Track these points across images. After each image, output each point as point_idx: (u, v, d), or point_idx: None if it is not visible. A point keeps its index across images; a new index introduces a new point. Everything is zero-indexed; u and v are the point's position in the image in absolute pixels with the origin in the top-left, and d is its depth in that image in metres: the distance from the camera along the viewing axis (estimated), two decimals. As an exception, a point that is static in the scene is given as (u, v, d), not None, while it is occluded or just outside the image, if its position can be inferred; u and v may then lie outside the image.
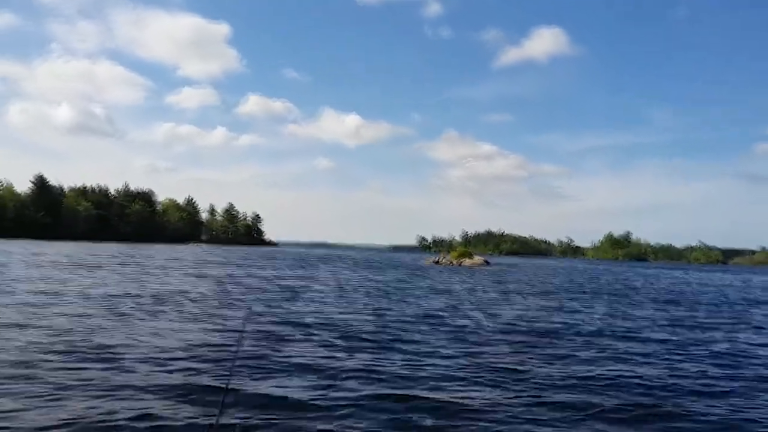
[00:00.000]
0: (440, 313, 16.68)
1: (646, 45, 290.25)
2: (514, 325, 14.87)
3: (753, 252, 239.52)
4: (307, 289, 23.52)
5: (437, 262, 67.42)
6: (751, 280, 56.81)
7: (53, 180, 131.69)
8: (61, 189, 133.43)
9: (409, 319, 15.14)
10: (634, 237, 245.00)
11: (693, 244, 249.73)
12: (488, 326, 14.37)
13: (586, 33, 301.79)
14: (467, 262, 65.75)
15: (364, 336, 12.08)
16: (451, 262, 66.09)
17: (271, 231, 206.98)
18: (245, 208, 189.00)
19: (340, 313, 15.83)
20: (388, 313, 16.13)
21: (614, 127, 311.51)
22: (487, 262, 68.63)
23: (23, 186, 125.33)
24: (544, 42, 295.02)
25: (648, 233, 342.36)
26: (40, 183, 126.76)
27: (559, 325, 15.12)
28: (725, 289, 37.06)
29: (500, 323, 15.08)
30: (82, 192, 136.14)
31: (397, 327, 13.60)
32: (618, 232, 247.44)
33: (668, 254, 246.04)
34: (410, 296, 22.22)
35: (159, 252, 63.20)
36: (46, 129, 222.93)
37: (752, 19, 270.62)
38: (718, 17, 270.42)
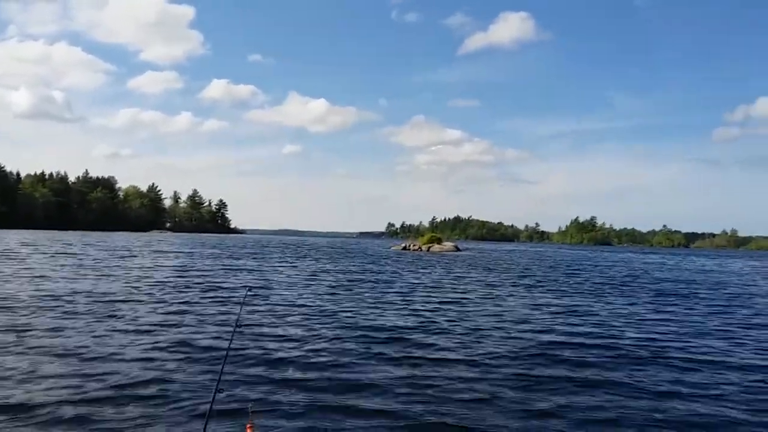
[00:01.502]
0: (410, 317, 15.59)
1: (611, 31, 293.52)
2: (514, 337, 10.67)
3: (713, 235, 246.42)
4: (261, 279, 22.33)
5: (406, 249, 66.60)
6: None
7: (9, 166, 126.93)
8: (18, 176, 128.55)
9: (368, 322, 13.42)
10: (598, 221, 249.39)
11: (656, 228, 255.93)
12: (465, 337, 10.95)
13: (551, 19, 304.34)
14: (436, 248, 65.08)
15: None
16: (420, 248, 65.37)
17: (237, 218, 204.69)
18: (212, 195, 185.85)
19: (283, 311, 13.56)
20: (340, 314, 13.29)
21: (578, 112, 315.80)
22: (457, 248, 68.15)
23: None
24: (511, 27, 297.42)
25: (612, 217, 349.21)
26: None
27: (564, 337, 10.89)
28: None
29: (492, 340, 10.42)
30: (40, 179, 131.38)
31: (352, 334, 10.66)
32: (582, 216, 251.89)
33: (632, 238, 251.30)
34: (377, 289, 21.06)
35: (105, 240, 60.97)
36: (2, 114, 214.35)
37: (713, 7, 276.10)
38: (681, 5, 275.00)
